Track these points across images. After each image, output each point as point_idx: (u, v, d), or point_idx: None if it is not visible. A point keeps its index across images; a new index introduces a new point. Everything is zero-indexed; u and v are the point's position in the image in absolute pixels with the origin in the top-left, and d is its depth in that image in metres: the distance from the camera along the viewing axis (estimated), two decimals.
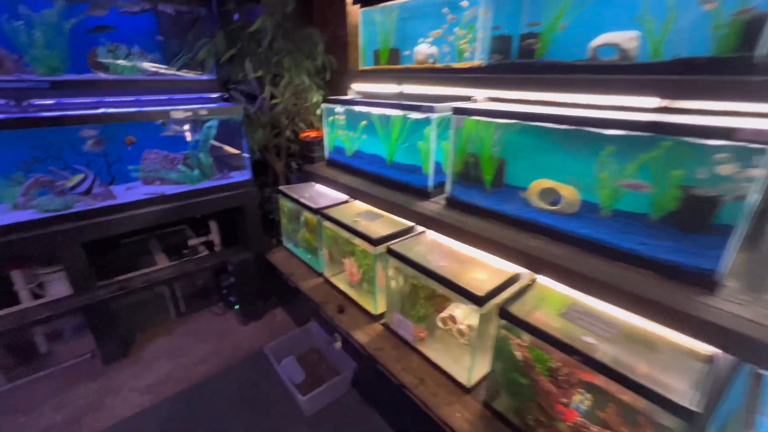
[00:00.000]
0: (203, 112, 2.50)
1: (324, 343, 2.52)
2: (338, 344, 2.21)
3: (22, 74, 2.15)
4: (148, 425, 2.08)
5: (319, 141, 3.19)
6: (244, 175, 2.87)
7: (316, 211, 2.46)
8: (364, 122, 2.77)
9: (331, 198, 2.67)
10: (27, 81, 2.14)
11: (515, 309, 1.41)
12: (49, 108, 2.29)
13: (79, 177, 2.22)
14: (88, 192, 2.25)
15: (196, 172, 2.64)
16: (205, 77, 2.83)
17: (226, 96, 2.89)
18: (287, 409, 2.18)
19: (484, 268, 1.71)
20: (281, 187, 2.87)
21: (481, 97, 2.12)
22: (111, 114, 2.21)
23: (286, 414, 2.15)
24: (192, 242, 3.05)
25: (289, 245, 3.07)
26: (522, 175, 1.99)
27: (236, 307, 2.96)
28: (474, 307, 1.52)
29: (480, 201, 1.86)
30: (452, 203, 1.98)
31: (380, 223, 2.22)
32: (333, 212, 2.39)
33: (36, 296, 2.41)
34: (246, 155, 2.83)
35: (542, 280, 1.56)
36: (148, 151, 2.63)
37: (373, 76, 2.81)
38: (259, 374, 2.43)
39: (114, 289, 2.35)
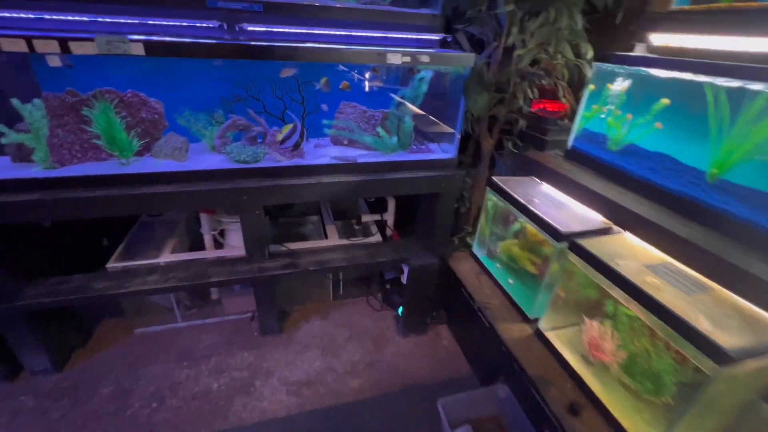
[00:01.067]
0: (424, 59, 1.79)
1: (510, 413, 1.75)
2: None
3: None
4: None
5: (559, 118, 2.19)
6: (447, 152, 2.15)
7: (565, 238, 1.57)
8: (665, 101, 1.62)
9: (575, 216, 1.72)
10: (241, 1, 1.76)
11: None
12: (260, 37, 1.93)
13: (288, 127, 1.82)
14: (296, 147, 1.86)
15: (395, 139, 2.02)
16: (426, 11, 2.09)
17: (449, 39, 2.12)
18: None
19: None
20: (496, 179, 2.04)
21: None
22: (340, 51, 1.68)
23: None
24: (365, 218, 2.58)
25: (481, 254, 2.30)
26: None
27: (399, 311, 2.41)
28: None
29: None
30: None
31: (711, 303, 1.19)
32: (597, 248, 1.45)
33: (217, 244, 2.30)
34: (457, 125, 2.07)
35: None
36: (345, 104, 2.12)
37: (694, 21, 1.60)
38: (420, 422, 1.84)
39: (283, 264, 2.01)
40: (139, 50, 1.45)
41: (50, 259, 1.95)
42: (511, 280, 2.07)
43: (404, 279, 2.25)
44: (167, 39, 1.49)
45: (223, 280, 1.88)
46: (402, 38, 2.04)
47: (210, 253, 2.19)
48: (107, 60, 1.73)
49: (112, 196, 1.59)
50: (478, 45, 2.19)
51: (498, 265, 2.20)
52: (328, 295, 2.57)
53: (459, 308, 2.22)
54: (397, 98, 2.04)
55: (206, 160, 1.85)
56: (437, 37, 2.09)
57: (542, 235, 1.75)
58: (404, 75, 2.16)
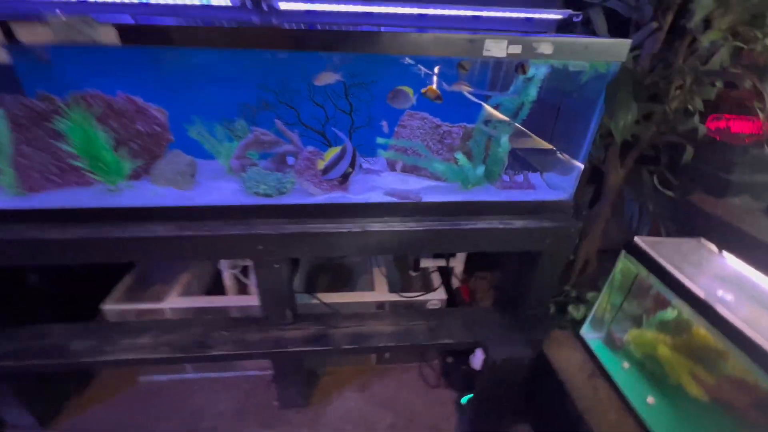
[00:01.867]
0: (545, 49, 1.10)
1: None
2: None
3: None
4: None
5: (754, 144, 1.36)
6: (559, 190, 1.44)
7: None
8: None
9: None
10: None
11: None
12: (297, 18, 1.39)
13: (334, 151, 1.26)
14: (345, 179, 1.30)
15: (480, 169, 1.36)
16: None
17: (577, 17, 1.40)
18: None
19: None
20: (641, 242, 1.29)
21: None
22: (412, 38, 1.07)
23: None
24: (425, 263, 1.96)
25: (594, 339, 1.55)
26: None
27: (463, 399, 1.76)
28: None
29: None
30: None
31: None
32: None
33: (240, 284, 1.85)
34: (582, 151, 1.35)
35: None
36: (411, 114, 1.50)
37: None
38: None
39: (308, 336, 1.47)
40: (110, 37, 0.98)
41: (34, 300, 1.61)
42: (651, 399, 1.32)
43: (476, 363, 1.60)
44: (151, 24, 1.00)
45: (227, 354, 1.39)
46: (502, 18, 1.37)
47: (226, 299, 1.74)
48: (110, 54, 1.32)
49: (82, 240, 1.18)
50: (617, 29, 1.44)
51: (625, 365, 1.44)
52: (369, 357, 2.00)
53: (556, 423, 1.50)
54: (488, 109, 1.37)
55: (218, 188, 1.37)
56: (557, 15, 1.38)
57: (735, 353, 0.99)
58: (497, 73, 1.48)
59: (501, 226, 1.33)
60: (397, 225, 1.31)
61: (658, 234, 1.60)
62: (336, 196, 1.36)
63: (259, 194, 1.32)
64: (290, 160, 1.47)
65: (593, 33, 1.45)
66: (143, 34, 1.00)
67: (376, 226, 1.30)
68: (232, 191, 1.35)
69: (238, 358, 1.48)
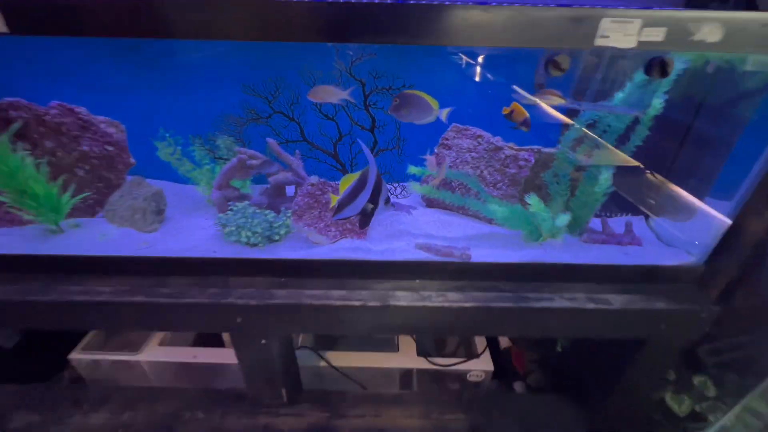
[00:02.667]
0: (708, 35, 0.64)
1: None
2: None
3: None
4: None
5: None
6: (681, 250, 0.97)
7: None
8: None
9: None
10: None
11: None
12: None
13: (352, 178, 0.85)
14: (365, 221, 0.88)
15: (563, 218, 0.91)
16: None
17: None
18: None
19: None
20: None
21: None
22: (484, 17, 0.66)
23: None
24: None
25: None
26: None
27: None
28: None
29: None
30: None
31: None
32: None
33: None
34: (734, 201, 0.87)
35: None
36: (458, 129, 1.07)
37: None
38: None
39: (307, 426, 1.10)
40: None
41: None
42: None
43: None
44: None
45: None
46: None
47: (215, 354, 1.41)
48: (44, 50, 0.99)
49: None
50: None
51: None
52: None
53: None
54: (579, 130, 0.91)
55: (192, 228, 1.02)
56: None
57: None
58: (592, 73, 1.01)
59: (591, 306, 0.88)
60: (434, 297, 0.90)
61: None
62: (347, 248, 0.96)
63: (240, 242, 0.95)
64: (290, 190, 1.09)
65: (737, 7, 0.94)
66: (45, 18, 0.65)
67: (403, 297, 0.90)
68: (207, 236, 0.99)
69: None
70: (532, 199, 0.85)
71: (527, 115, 0.80)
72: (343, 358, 1.37)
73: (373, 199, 0.86)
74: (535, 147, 0.96)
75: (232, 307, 0.90)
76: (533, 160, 0.95)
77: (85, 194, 0.95)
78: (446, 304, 0.89)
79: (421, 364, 1.37)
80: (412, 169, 0.97)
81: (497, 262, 0.93)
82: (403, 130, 0.99)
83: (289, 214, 0.96)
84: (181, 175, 1.07)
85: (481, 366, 1.37)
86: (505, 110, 0.79)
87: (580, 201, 0.91)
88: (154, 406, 1.14)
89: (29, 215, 0.93)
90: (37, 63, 0.95)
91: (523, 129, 0.80)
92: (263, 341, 0.98)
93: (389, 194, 0.91)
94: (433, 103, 0.85)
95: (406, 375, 1.39)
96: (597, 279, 0.93)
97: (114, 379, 1.41)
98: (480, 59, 0.95)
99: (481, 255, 0.95)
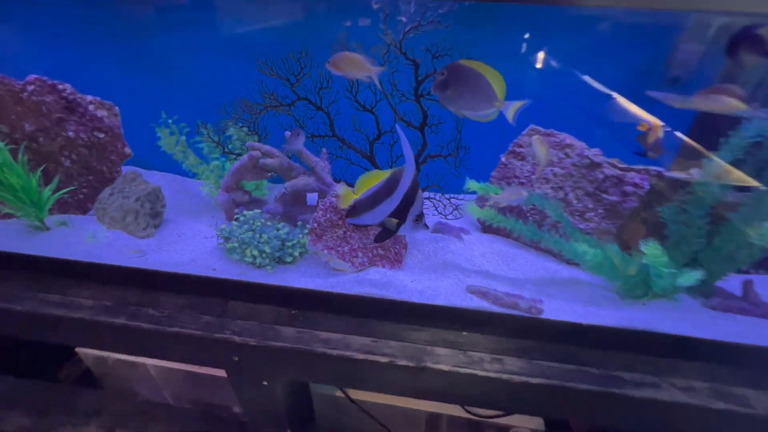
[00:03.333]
0: None
1: None
2: None
3: None
4: None
5: None
6: None
7: None
8: None
9: None
10: None
11: None
12: None
13: (378, 178, 0.62)
14: (386, 234, 0.66)
15: (689, 276, 0.63)
16: None
17: None
18: None
19: None
20: None
21: None
22: None
23: None
24: None
25: None
26: None
27: None
28: None
29: None
30: None
31: None
32: None
33: None
34: None
35: None
36: (535, 133, 0.81)
37: None
38: None
39: None
40: None
41: None
42: None
43: None
44: None
45: None
46: None
47: None
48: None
49: None
50: None
51: None
52: None
53: None
54: (737, 149, 0.61)
55: (192, 236, 0.85)
56: None
57: None
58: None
59: (718, 405, 0.61)
60: (486, 361, 0.67)
61: None
62: (377, 281, 0.74)
63: (245, 261, 0.76)
64: (312, 198, 0.88)
65: None
66: None
67: (445, 357, 0.67)
68: (208, 249, 0.81)
69: None
70: (651, 249, 0.57)
71: (660, 133, 0.53)
72: (363, 391, 1.18)
73: (400, 212, 0.63)
74: (653, 168, 0.68)
75: (227, 344, 0.72)
76: (647, 186, 0.68)
77: (69, 188, 0.80)
78: (503, 375, 0.65)
79: (454, 410, 1.15)
80: (472, 185, 0.72)
81: (579, 323, 0.68)
82: (467, 132, 0.74)
83: (306, 231, 0.76)
84: (185, 169, 0.89)
85: (528, 423, 1.13)
86: (643, 126, 0.53)
87: (719, 253, 0.63)
88: (147, 426, 1.02)
89: (9, 209, 0.80)
90: (7, 21, 0.79)
91: (650, 155, 0.54)
92: (265, 383, 0.80)
93: (424, 210, 0.67)
94: (498, 85, 0.58)
95: (433, 419, 1.18)
96: (728, 364, 0.65)
97: (119, 377, 1.32)
98: (579, 42, 0.68)
99: (555, 309, 0.69)
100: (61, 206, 0.83)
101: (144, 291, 0.79)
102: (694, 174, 0.63)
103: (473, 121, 0.74)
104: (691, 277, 0.60)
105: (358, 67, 0.56)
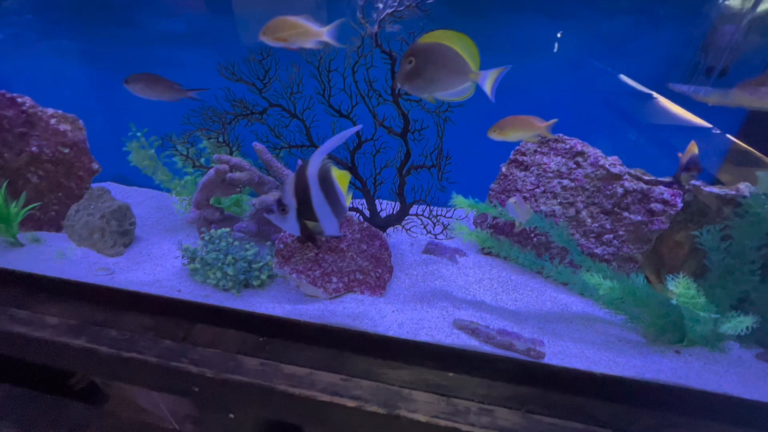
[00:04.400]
0: None
1: None
2: None
3: None
4: None
5: None
6: None
7: None
8: None
9: None
10: None
11: None
12: None
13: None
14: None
15: (741, 323, 0.50)
16: None
17: None
18: None
19: None
20: None
21: None
22: None
23: None
24: None
25: None
26: None
27: None
28: None
29: None
30: None
31: None
32: None
33: None
34: None
35: None
36: (546, 138, 0.69)
37: None
38: None
39: None
40: None
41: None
42: None
43: None
44: None
45: None
46: None
47: None
48: None
49: None
50: None
51: None
52: None
53: None
54: None
55: (161, 256, 0.79)
56: None
57: None
58: None
59: None
60: (472, 412, 0.56)
61: None
62: (351, 310, 0.65)
63: (211, 283, 0.69)
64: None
65: None
66: None
67: (423, 404, 0.57)
68: (175, 269, 0.75)
69: None
70: (683, 286, 0.44)
71: (695, 151, 0.41)
72: None
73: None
74: (687, 186, 0.54)
75: (185, 375, 0.65)
76: (680, 204, 0.54)
77: (35, 204, 0.76)
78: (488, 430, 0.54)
79: None
80: (459, 202, 0.61)
81: (590, 371, 0.55)
82: (460, 137, 0.63)
83: (270, 254, 0.68)
84: (157, 184, 0.84)
85: None
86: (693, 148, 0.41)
87: None
88: None
89: None
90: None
91: (683, 180, 0.42)
92: (231, 416, 0.73)
93: (418, 228, 0.55)
94: (470, 54, 0.45)
95: None
96: None
97: (122, 387, 1.31)
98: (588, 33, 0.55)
99: (560, 353, 0.57)
100: (35, 223, 0.80)
101: (109, 310, 0.74)
102: (743, 189, 0.49)
103: (467, 123, 0.64)
104: (740, 324, 0.46)
105: (301, 32, 0.45)
